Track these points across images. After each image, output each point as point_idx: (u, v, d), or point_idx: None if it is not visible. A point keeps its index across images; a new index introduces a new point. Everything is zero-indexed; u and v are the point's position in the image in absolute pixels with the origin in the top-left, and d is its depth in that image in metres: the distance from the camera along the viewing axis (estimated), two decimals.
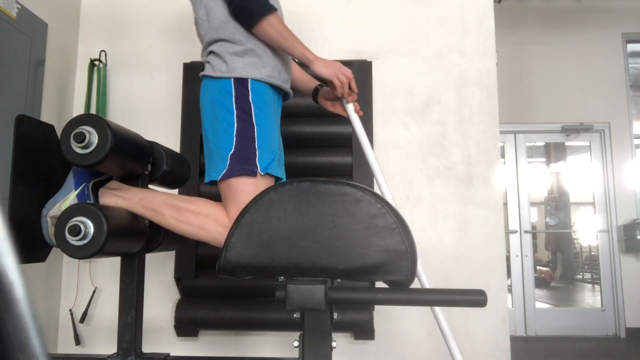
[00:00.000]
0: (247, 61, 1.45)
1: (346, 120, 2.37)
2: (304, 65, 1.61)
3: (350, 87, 1.56)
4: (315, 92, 1.74)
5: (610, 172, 4.57)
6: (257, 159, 1.39)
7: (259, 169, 1.39)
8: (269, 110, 1.47)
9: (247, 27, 1.45)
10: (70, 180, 1.43)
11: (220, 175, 1.39)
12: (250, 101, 1.42)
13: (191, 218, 1.41)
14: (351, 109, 1.62)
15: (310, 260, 1.09)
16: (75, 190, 1.41)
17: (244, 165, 1.38)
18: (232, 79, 1.43)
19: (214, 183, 1.44)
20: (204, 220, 1.40)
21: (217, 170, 1.40)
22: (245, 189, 1.37)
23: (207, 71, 1.50)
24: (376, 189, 2.30)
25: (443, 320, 1.55)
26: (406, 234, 1.09)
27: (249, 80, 1.44)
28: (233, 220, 1.15)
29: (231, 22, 1.47)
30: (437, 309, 1.56)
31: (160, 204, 1.43)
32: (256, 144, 1.40)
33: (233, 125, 1.40)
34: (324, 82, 1.63)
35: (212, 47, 1.49)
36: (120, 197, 1.45)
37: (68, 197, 1.40)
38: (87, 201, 1.42)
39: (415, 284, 1.11)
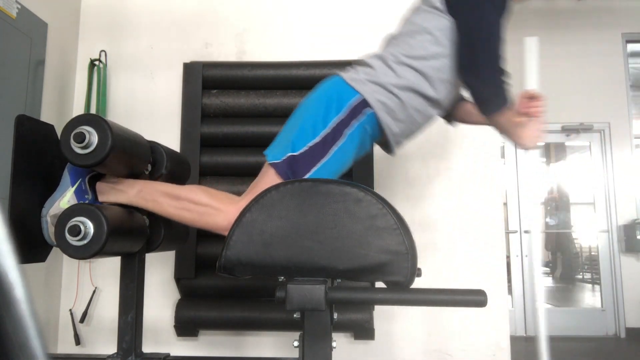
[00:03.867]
0: (396, 101, 1.41)
1: None
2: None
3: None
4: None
5: (610, 172, 4.57)
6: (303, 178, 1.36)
7: None
8: (351, 153, 1.41)
9: (480, 112, 1.44)
10: (66, 177, 1.42)
11: (272, 160, 1.37)
12: (345, 134, 1.37)
13: (191, 205, 1.39)
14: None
15: (310, 260, 1.09)
16: (72, 186, 1.41)
17: (290, 173, 1.35)
18: (358, 97, 1.38)
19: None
20: (205, 207, 1.38)
21: (274, 155, 1.37)
22: None
23: (348, 74, 1.44)
24: (381, 188, 2.31)
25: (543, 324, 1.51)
26: (406, 235, 1.09)
27: (368, 113, 1.39)
28: (247, 201, 1.14)
29: (444, 72, 1.43)
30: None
31: (159, 193, 1.42)
32: (314, 169, 1.36)
33: (314, 137, 1.36)
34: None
35: (405, 60, 1.42)
36: (119, 190, 1.44)
37: (65, 195, 1.40)
38: (86, 196, 1.41)
39: (416, 284, 1.11)
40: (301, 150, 1.35)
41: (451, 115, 1.78)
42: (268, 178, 1.37)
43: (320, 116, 1.37)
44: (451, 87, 1.48)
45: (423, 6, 1.50)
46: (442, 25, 1.43)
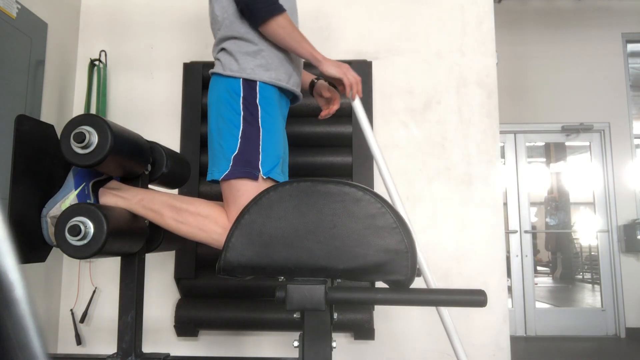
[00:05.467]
0: (258, 62, 1.45)
1: (346, 120, 2.38)
2: (309, 66, 1.61)
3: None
4: (312, 85, 1.74)
5: (610, 172, 4.57)
6: (260, 162, 1.39)
7: (261, 172, 1.38)
8: (276, 114, 1.46)
9: (254, 25, 1.45)
10: (70, 180, 1.43)
11: (222, 175, 1.39)
12: (258, 104, 1.42)
13: (190, 219, 1.41)
14: (358, 105, 1.57)
15: (310, 260, 1.09)
16: (75, 190, 1.41)
17: (246, 167, 1.38)
18: (242, 80, 1.43)
19: (215, 182, 1.44)
20: (203, 221, 1.40)
21: (220, 170, 1.40)
22: (246, 192, 1.37)
23: (217, 69, 1.50)
24: (381, 187, 2.31)
25: (448, 320, 1.54)
26: (406, 234, 1.09)
27: (258, 83, 1.44)
28: (232, 222, 1.14)
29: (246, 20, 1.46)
30: (443, 309, 1.56)
31: (159, 204, 1.43)
32: (260, 147, 1.40)
33: (239, 127, 1.40)
34: (332, 83, 1.62)
35: (225, 45, 1.48)
36: (120, 197, 1.45)
37: (68, 197, 1.40)
38: (87, 201, 1.42)
39: (416, 284, 1.11)
40: (238, 144, 1.39)
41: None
42: (234, 190, 1.39)
43: (229, 111, 1.42)
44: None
45: None
46: None
